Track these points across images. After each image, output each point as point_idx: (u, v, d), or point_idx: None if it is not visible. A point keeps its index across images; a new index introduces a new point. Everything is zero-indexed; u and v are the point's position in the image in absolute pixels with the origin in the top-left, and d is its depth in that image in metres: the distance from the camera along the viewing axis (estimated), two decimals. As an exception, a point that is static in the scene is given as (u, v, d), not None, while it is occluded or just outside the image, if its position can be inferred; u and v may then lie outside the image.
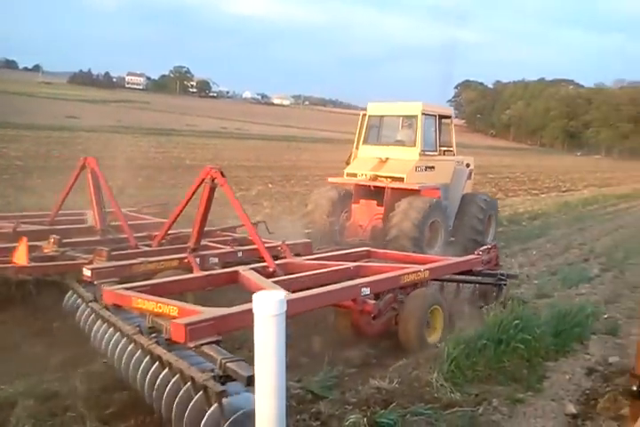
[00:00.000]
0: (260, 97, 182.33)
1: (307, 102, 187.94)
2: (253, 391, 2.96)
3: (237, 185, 19.18)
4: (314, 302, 4.84)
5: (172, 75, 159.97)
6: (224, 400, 3.20)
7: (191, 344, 3.75)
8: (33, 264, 5.85)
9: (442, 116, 10.55)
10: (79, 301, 5.42)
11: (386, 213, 9.40)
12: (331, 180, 10.48)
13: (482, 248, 7.24)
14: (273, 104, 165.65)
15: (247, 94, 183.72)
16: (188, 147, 36.12)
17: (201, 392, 3.37)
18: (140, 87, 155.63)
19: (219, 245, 7.01)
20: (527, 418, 4.22)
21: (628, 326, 6.58)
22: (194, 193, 6.34)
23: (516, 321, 5.11)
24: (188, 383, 3.50)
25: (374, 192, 9.76)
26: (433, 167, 10.13)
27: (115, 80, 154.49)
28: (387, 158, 9.95)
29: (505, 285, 6.84)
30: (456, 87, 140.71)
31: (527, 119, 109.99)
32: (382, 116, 10.54)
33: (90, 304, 5.07)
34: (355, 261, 6.50)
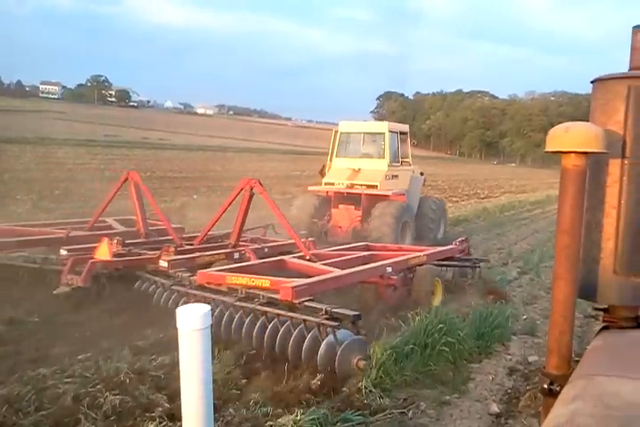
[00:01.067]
0: (182, 106, 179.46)
1: (231, 112, 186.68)
2: (352, 329, 4.96)
3: (161, 197, 18.66)
4: (357, 276, 6.56)
5: (89, 84, 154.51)
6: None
7: (296, 301, 5.29)
8: (114, 259, 6.98)
9: (401, 133, 12.04)
10: (153, 286, 6.67)
11: (363, 216, 10.79)
12: (311, 188, 11.84)
13: (457, 240, 9.04)
14: (196, 114, 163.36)
15: (169, 104, 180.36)
16: (108, 158, 34.98)
17: (314, 329, 4.93)
18: (56, 96, 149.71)
19: (246, 243, 8.35)
20: (454, 420, 4.32)
21: (546, 326, 6.84)
22: (233, 200, 7.71)
23: (441, 325, 5.24)
24: (300, 326, 5.02)
25: (351, 198, 11.13)
26: (397, 176, 11.61)
27: (27, 89, 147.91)
28: (359, 169, 11.42)
29: (479, 267, 8.60)
30: (378, 98, 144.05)
31: (446, 129, 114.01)
32: (353, 133, 11.99)
33: (173, 287, 6.39)
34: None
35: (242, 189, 7.52)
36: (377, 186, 11.02)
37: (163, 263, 6.86)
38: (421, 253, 7.80)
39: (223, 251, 7.70)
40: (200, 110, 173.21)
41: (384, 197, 10.89)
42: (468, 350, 5.51)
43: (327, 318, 4.91)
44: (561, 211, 2.11)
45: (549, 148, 2.11)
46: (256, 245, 8.19)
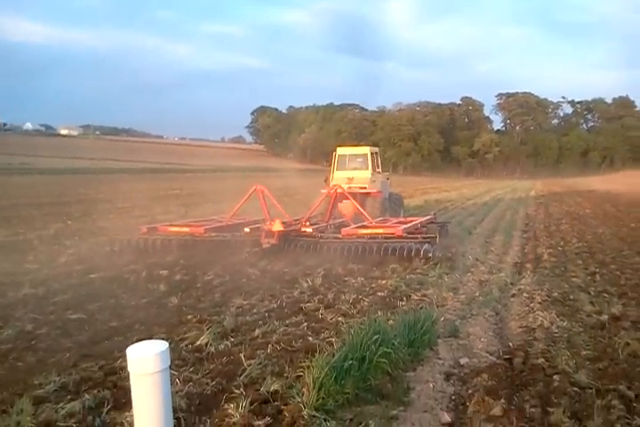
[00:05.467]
0: (43, 128, 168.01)
1: (97, 132, 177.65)
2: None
3: (30, 224, 17.08)
4: (412, 227, 12.78)
5: None
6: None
7: (403, 235, 11.72)
8: (285, 229, 12.08)
9: (375, 153, 18.09)
10: (302, 241, 11.95)
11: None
12: (323, 191, 15.64)
13: (432, 213, 16.28)
14: (60, 135, 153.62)
15: (28, 126, 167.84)
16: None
17: (414, 244, 11.26)
18: None
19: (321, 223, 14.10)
20: (407, 435, 4.08)
21: (464, 327, 6.89)
22: (324, 198, 14.21)
23: (376, 336, 5.00)
24: (409, 244, 11.22)
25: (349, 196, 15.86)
26: (375, 180, 17.27)
27: None
28: (352, 177, 17.21)
29: (447, 226, 15.00)
30: (252, 113, 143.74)
31: (321, 141, 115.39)
32: (346, 155, 17.92)
33: (321, 240, 11.94)
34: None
35: (329, 192, 14.06)
36: (366, 187, 16.72)
37: (309, 230, 12.56)
38: (424, 218, 14.36)
39: (336, 222, 14.30)
40: (63, 131, 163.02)
41: (371, 194, 16.71)
42: (402, 359, 5.32)
43: (423, 239, 11.75)
44: None
45: None
46: (344, 219, 14.63)
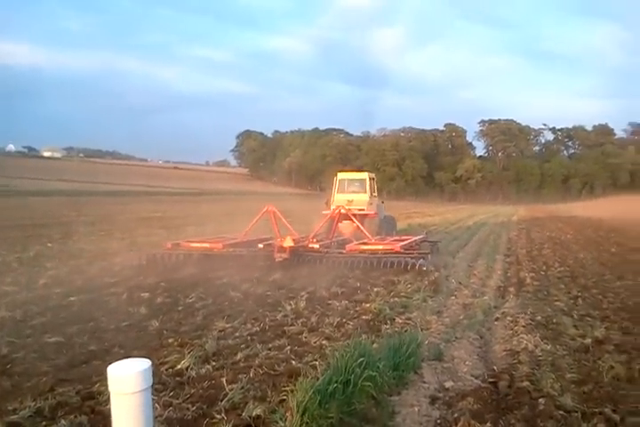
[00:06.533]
0: (26, 150, 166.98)
1: (81, 155, 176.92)
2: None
3: (10, 246, 16.84)
4: (408, 245, 14.31)
5: None
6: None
7: (401, 250, 13.22)
8: (295, 245, 13.23)
9: (372, 179, 19.83)
10: (310, 256, 13.25)
11: (357, 227, 16.35)
12: (324, 212, 17.50)
13: (424, 232, 18.96)
14: (43, 157, 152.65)
15: (11, 148, 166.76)
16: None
17: (411, 259, 12.65)
18: None
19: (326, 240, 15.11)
20: (392, 461, 4.00)
21: (449, 350, 6.84)
22: (327, 220, 15.59)
23: (361, 359, 4.94)
24: (406, 258, 12.64)
25: (348, 217, 16.50)
26: (372, 203, 19.05)
27: None
28: (352, 200, 18.75)
29: (437, 244, 16.70)
30: (237, 137, 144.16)
31: (306, 166, 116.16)
32: (346, 179, 19.72)
33: (326, 255, 13.28)
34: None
35: (334, 213, 15.59)
36: (364, 209, 18.31)
37: (315, 246, 13.72)
38: (418, 237, 16.18)
39: (339, 238, 15.70)
40: (46, 153, 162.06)
41: (369, 216, 18.33)
42: (387, 383, 5.24)
43: (418, 254, 13.06)
44: None
45: None
46: (334, 240, 15.15)
